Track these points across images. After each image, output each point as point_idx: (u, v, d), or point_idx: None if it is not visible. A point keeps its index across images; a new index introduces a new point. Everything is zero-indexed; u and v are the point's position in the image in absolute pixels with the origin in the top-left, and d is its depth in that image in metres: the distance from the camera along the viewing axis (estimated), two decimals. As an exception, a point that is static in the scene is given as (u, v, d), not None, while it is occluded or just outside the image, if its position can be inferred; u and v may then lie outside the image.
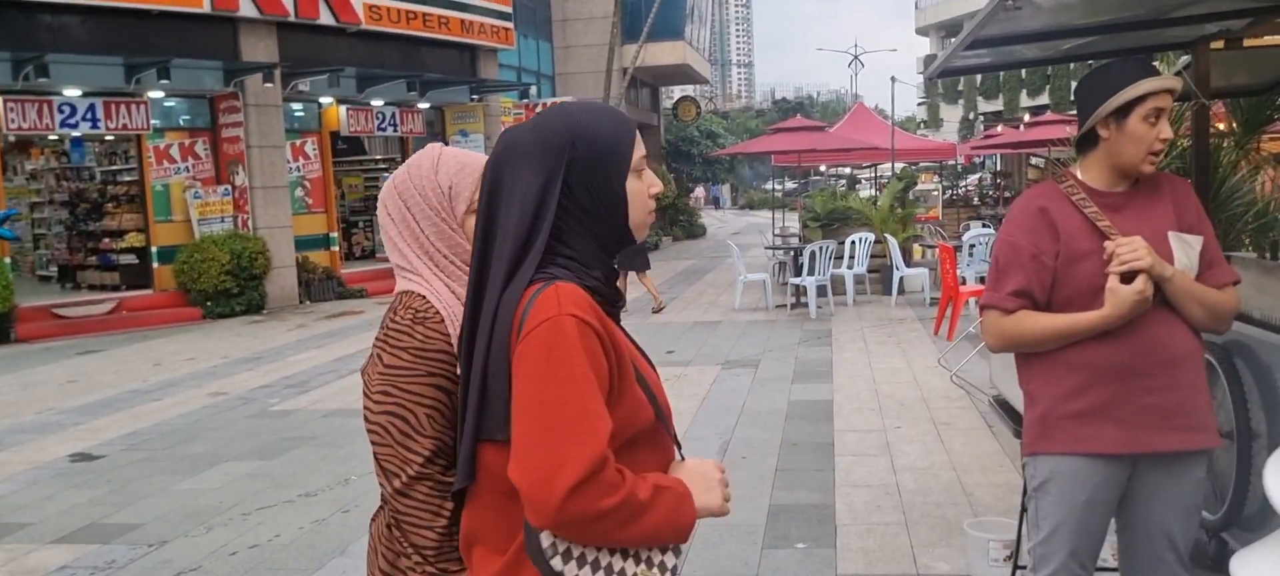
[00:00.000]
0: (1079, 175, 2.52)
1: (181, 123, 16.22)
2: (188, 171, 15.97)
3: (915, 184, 16.83)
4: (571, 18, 25.73)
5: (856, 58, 73.11)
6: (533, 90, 23.15)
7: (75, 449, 7.14)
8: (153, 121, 15.13)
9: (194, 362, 10.90)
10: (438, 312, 1.76)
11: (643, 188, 1.57)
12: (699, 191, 59.06)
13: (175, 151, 15.91)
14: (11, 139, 16.35)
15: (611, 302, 1.52)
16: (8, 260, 14.01)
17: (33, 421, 8.17)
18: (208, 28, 15.48)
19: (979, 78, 43.36)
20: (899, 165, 18.78)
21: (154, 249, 15.69)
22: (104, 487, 6.09)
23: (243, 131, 15.82)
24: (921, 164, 28.82)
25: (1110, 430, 2.39)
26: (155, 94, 15.10)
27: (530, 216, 1.49)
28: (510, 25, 21.00)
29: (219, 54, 15.69)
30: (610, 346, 1.43)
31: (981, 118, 46.86)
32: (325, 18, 16.82)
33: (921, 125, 53.63)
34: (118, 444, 7.27)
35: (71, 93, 14.18)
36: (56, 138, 16.74)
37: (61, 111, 14.09)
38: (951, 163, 29.99)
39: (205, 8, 15.17)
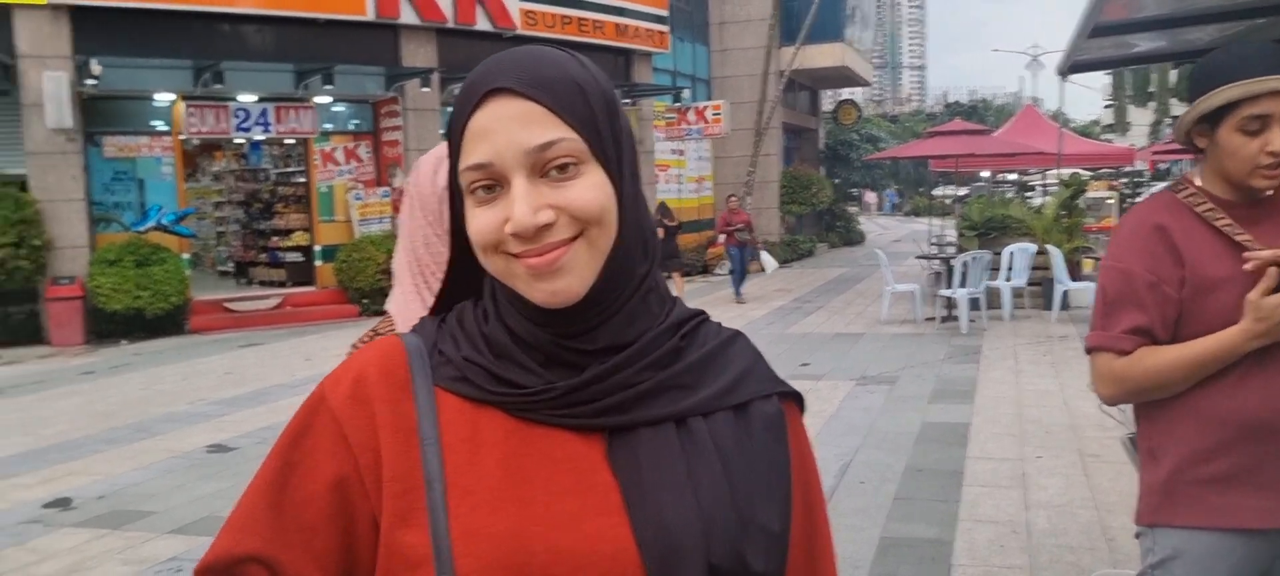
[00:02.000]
0: (1198, 182, 2.05)
1: (347, 127, 16.93)
2: (350, 173, 16.64)
3: (1084, 191, 15.76)
4: (728, 21, 25.47)
5: (1035, 59, 69.92)
6: (686, 93, 23.04)
7: (214, 440, 7.44)
8: (321, 125, 15.85)
9: (341, 359, 11.25)
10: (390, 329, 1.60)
11: (488, 220, 0.90)
12: (870, 196, 57.95)
13: (339, 154, 16.62)
14: (194, 142, 17.41)
15: (501, 379, 0.93)
16: (187, 256, 14.93)
17: (184, 411, 8.59)
18: (371, 34, 16.07)
19: (1171, 76, 40.46)
20: (1067, 171, 17.64)
21: (317, 248, 16.43)
22: (230, 480, 6.31)
23: (402, 135, 16.35)
24: (1099, 170, 27.16)
25: (1253, 499, 1.93)
26: (321, 99, 15.79)
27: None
28: (666, 29, 20.96)
29: (381, 60, 16.27)
30: (367, 448, 0.91)
31: (1172, 121, 43.88)
32: (482, 23, 17.20)
33: (1105, 129, 50.70)
34: (253, 437, 7.54)
35: (246, 98, 14.99)
36: (240, 141, 17.75)
37: (237, 116, 14.91)
38: (1130, 169, 28.08)
39: (369, 15, 15.74)
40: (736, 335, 1.01)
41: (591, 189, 0.89)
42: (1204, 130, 1.97)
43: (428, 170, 1.68)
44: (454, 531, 0.87)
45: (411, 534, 0.88)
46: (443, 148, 1.75)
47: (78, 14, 13.43)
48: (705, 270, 21.11)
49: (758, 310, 14.50)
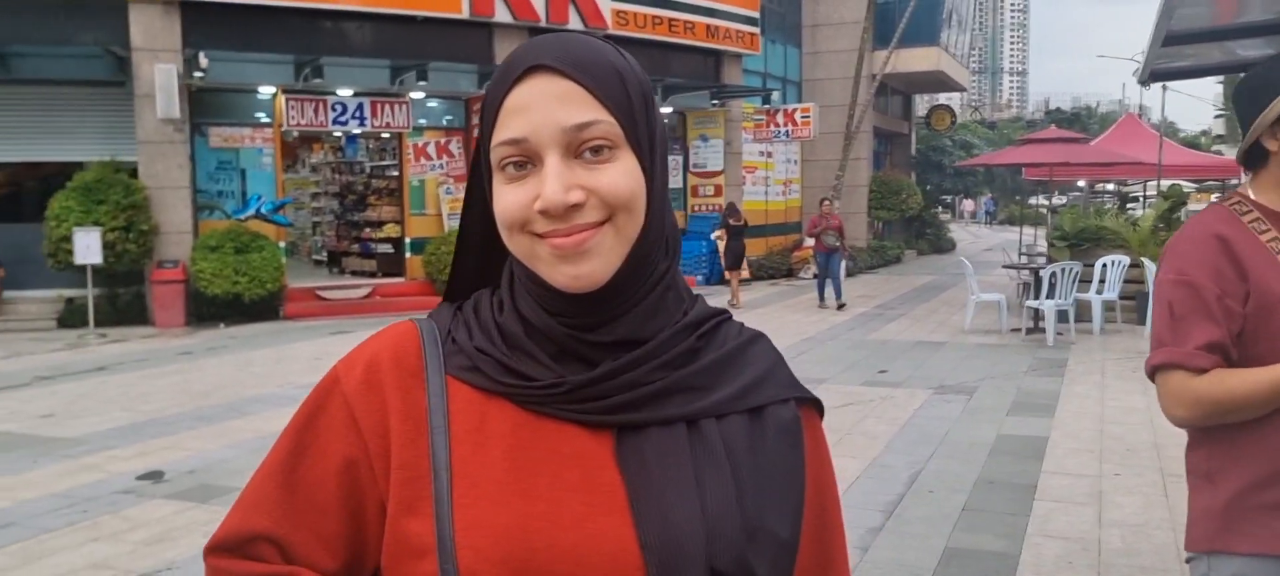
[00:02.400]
0: (1252, 195, 1.98)
1: (440, 123, 17.32)
2: (442, 168, 17.01)
3: (1185, 204, 15.23)
4: (821, 23, 25.25)
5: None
6: (776, 95, 22.93)
7: (299, 422, 7.74)
8: (415, 120, 16.26)
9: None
10: None
11: (517, 197, 0.89)
12: (967, 204, 56.71)
13: (431, 149, 17.00)
14: (294, 134, 17.99)
15: (514, 372, 0.92)
16: (283, 244, 15.46)
17: (273, 393, 8.92)
18: (465, 33, 16.40)
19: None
20: (1168, 182, 17.05)
21: (407, 240, 16.84)
22: (313, 461, 6.54)
23: (492, 131, 16.63)
24: (1204, 182, 26.14)
25: None
26: (416, 95, 16.18)
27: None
28: (757, 31, 20.89)
29: (475, 58, 16.59)
30: (377, 433, 0.92)
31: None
32: (574, 22, 17.39)
33: (1216, 140, 48.75)
34: (336, 421, 7.78)
35: (343, 92, 15.44)
36: (337, 134, 18.29)
37: (335, 110, 15.37)
38: (1236, 182, 26.98)
39: (464, 14, 16.06)
40: (758, 337, 1.00)
41: (624, 175, 0.88)
42: (1277, 132, 1.90)
43: None
44: (457, 522, 0.86)
45: (416, 522, 0.88)
46: None
47: (188, 9, 14.03)
48: (789, 273, 20.99)
49: (838, 315, 14.38)
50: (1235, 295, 1.88)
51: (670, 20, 18.96)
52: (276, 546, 0.91)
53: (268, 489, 0.93)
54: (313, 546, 0.91)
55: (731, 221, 15.74)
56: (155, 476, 6.23)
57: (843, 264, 15.72)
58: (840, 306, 15.03)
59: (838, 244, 15.49)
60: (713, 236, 16.20)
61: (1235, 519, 1.91)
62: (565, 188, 0.86)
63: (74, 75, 14.32)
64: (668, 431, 0.89)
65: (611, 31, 17.82)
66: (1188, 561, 2.04)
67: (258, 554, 0.91)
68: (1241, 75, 2.05)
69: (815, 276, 16.20)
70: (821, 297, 15.55)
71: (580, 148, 0.87)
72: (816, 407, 1.02)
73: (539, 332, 0.92)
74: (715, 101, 20.25)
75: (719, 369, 0.95)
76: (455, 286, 1.04)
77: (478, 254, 1.01)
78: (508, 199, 0.88)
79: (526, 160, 0.88)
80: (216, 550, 0.93)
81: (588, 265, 0.87)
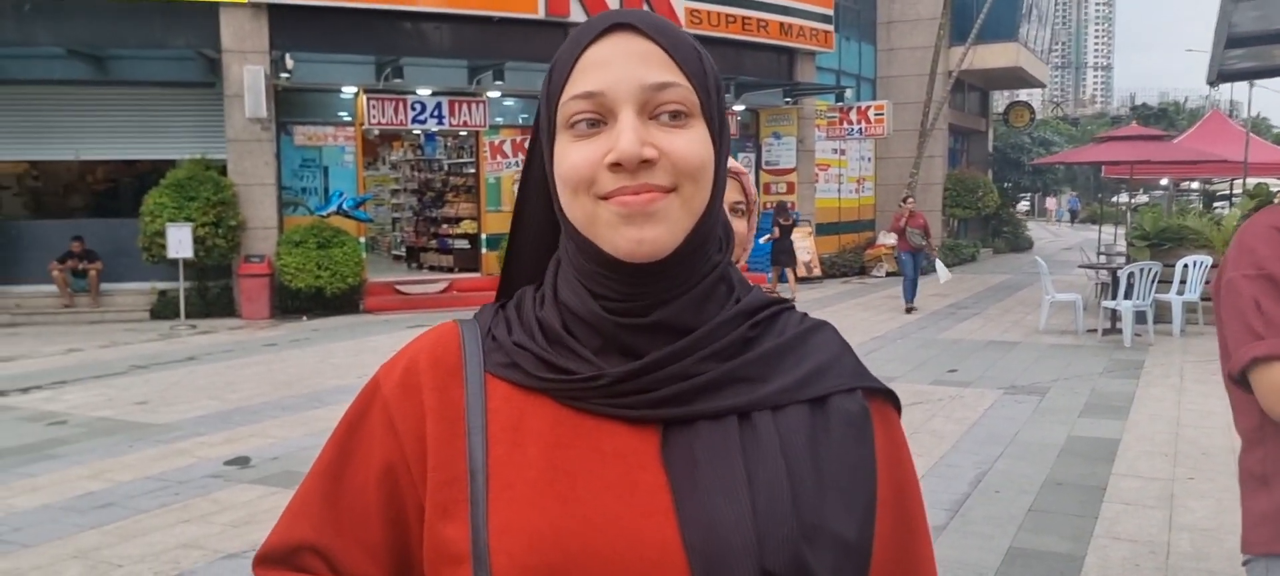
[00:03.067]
0: None
1: (517, 121, 17.62)
2: (517, 165, 17.31)
3: (1271, 202, 14.77)
4: (897, 20, 24.99)
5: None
6: (850, 93, 22.79)
7: (378, 412, 8.01)
8: (492, 119, 16.58)
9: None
10: None
11: (585, 154, 0.85)
12: (1050, 202, 55.47)
13: (507, 147, 17.31)
14: (375, 133, 18.47)
15: (561, 370, 0.88)
16: (363, 240, 15.90)
17: (354, 384, 9.20)
18: (541, 32, 16.63)
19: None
20: (1255, 181, 16.51)
21: (484, 236, 17.17)
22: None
23: (565, 129, 16.87)
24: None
25: None
26: (493, 94, 16.49)
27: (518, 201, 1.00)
28: (830, 28, 20.79)
29: (550, 57, 16.54)
30: (414, 436, 0.89)
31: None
32: (647, 22, 17.50)
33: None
34: (413, 412, 8.04)
35: (422, 92, 15.82)
36: (416, 132, 18.73)
37: (414, 109, 15.76)
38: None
39: (540, 14, 16.31)
40: (821, 325, 0.94)
41: (698, 143, 0.85)
42: None
43: None
44: (491, 527, 0.83)
45: (451, 527, 0.85)
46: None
47: (275, 11, 14.52)
48: (862, 271, 20.86)
49: (908, 315, 14.28)
50: None
51: (744, 18, 18.98)
52: (322, 556, 0.90)
53: (312, 498, 0.92)
54: (357, 555, 0.90)
55: (781, 221, 15.60)
56: (242, 462, 6.53)
57: (919, 264, 14.73)
58: (909, 310, 14.41)
59: (924, 243, 14.62)
60: (763, 239, 15.63)
61: None
62: (641, 141, 0.82)
63: (167, 77, 14.94)
64: (718, 426, 0.84)
65: (686, 30, 17.88)
66: (1245, 564, 2.03)
67: (304, 565, 0.90)
68: None
69: (894, 275, 15.83)
70: (909, 299, 14.57)
71: (657, 109, 0.84)
72: (892, 400, 0.95)
73: (581, 322, 0.88)
74: (788, 99, 20.21)
75: (777, 358, 0.89)
76: (507, 284, 1.00)
77: (533, 247, 0.98)
78: (575, 155, 0.84)
79: (599, 117, 0.84)
80: (264, 561, 0.92)
81: (653, 230, 0.83)
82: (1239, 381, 1.94)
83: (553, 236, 0.95)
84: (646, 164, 0.83)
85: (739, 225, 1.89)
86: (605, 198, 0.83)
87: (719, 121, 0.89)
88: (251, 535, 5.09)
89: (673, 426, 0.85)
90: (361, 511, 0.90)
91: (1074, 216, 54.34)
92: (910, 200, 15.66)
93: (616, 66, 0.84)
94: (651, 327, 0.86)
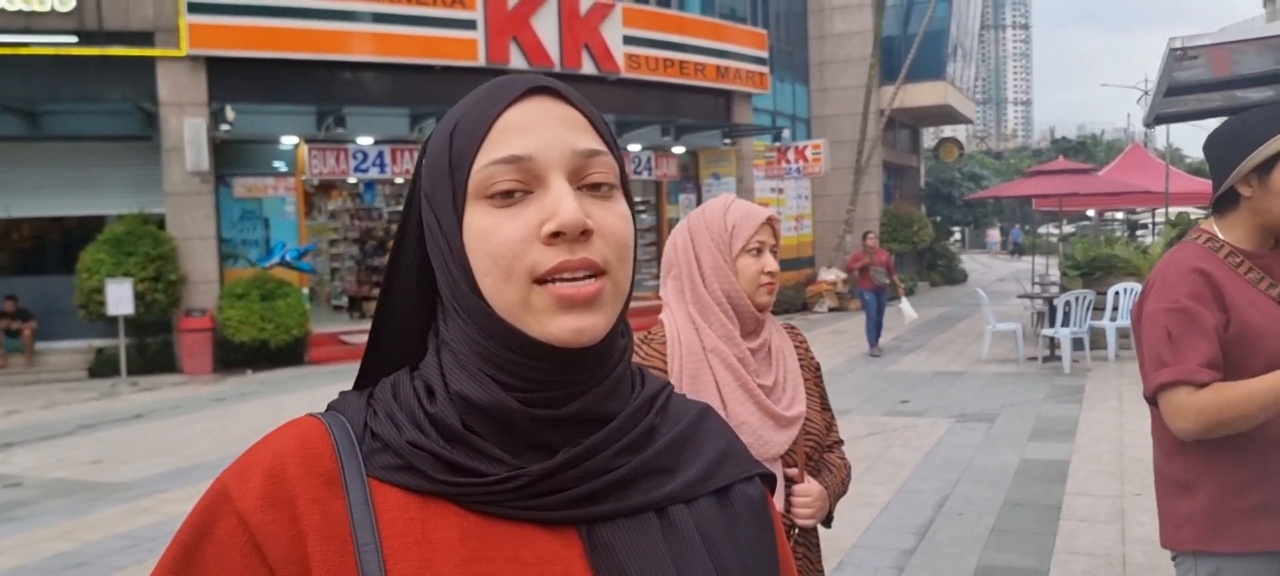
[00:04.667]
0: (1221, 234, 2.19)
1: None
2: (460, 212, 17.32)
3: (1192, 229, 15.40)
4: (829, 61, 25.66)
5: (1145, 93, 67.89)
6: (786, 133, 23.26)
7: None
8: (431, 166, 16.61)
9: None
10: (663, 334, 1.98)
11: (516, 227, 0.77)
12: (993, 234, 56.54)
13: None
14: (315, 183, 18.34)
15: (460, 470, 0.77)
16: (306, 290, 15.75)
17: (310, 436, 9.14)
18: (482, 79, 16.37)
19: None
20: (1177, 209, 17.20)
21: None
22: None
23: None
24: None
25: None
26: (434, 141, 16.52)
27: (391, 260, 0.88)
28: (765, 70, 21.26)
29: (490, 104, 16.91)
30: (290, 560, 0.74)
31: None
32: (588, 67, 17.73)
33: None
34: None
35: (364, 141, 15.79)
36: (352, 181, 18.64)
37: (355, 158, 15.72)
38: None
39: (480, 61, 16.43)
40: (706, 409, 0.91)
41: (624, 219, 0.80)
42: (1254, 178, 2.14)
43: (718, 207, 2.08)
44: None
45: None
46: (732, 195, 2.15)
47: (214, 64, 14.42)
48: (805, 307, 21.20)
49: (856, 348, 14.55)
50: (1220, 325, 2.09)
51: (681, 62, 19.32)
52: None
53: None
54: None
55: None
56: (207, 517, 6.44)
57: (883, 304, 13.90)
58: (875, 354, 13.63)
59: (887, 281, 13.79)
60: None
61: (1217, 522, 2.14)
62: (580, 209, 0.76)
63: (103, 131, 14.70)
64: (637, 524, 0.79)
65: (624, 74, 18.19)
66: (1174, 559, 2.26)
67: None
68: (1220, 122, 2.30)
69: (837, 310, 16.13)
70: (873, 343, 13.87)
71: (583, 179, 0.78)
72: (770, 482, 0.93)
73: (485, 416, 0.78)
74: (727, 140, 20.56)
75: (680, 448, 0.85)
76: (370, 368, 0.87)
77: (399, 330, 0.87)
78: (505, 231, 0.76)
79: (522, 186, 0.77)
80: None
81: (591, 318, 0.76)
82: (1152, 402, 2.17)
83: (421, 318, 0.85)
84: (586, 235, 0.76)
85: (773, 264, 2.04)
86: (541, 281, 0.76)
87: (628, 192, 0.84)
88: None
89: (591, 527, 0.78)
90: None
91: (1018, 248, 55.68)
92: (871, 236, 14.76)
93: (544, 131, 0.77)
94: (564, 420, 0.79)
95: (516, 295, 0.76)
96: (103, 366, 13.94)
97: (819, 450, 2.15)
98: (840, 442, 2.28)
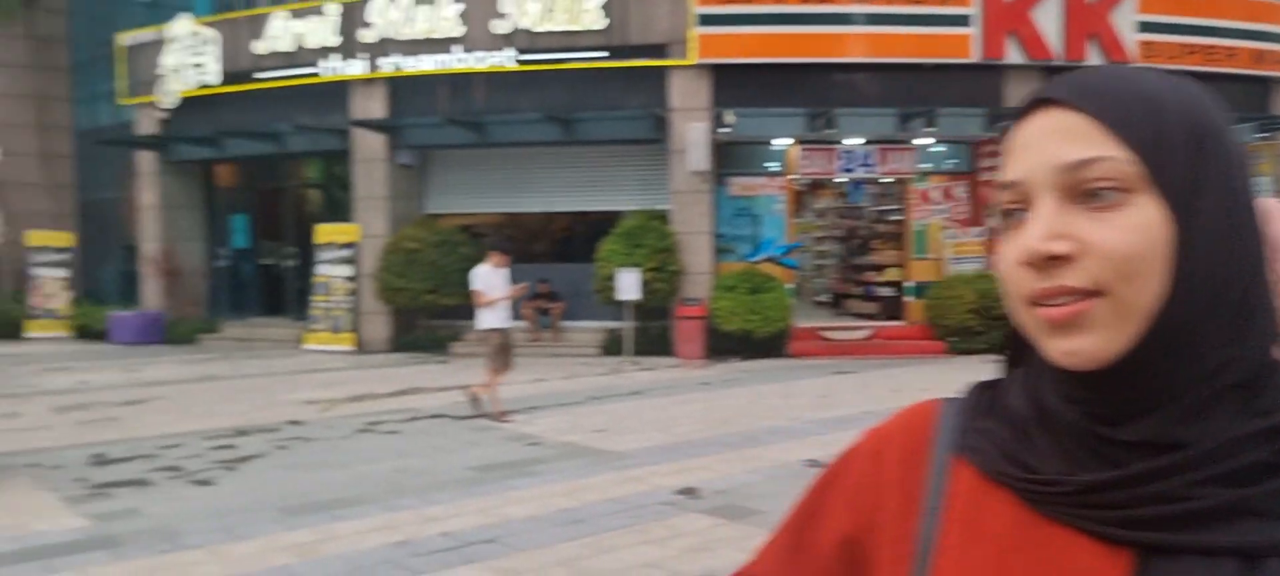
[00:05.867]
0: None
1: (944, 167, 17.29)
2: (945, 213, 16.94)
3: None
4: None
5: None
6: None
7: (810, 455, 8.18)
8: (919, 166, 16.46)
9: (928, 393, 11.52)
10: None
11: (1008, 253, 0.79)
12: None
13: (935, 194, 17.01)
14: (805, 182, 19.00)
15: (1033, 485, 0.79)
16: (790, 286, 16.41)
17: (784, 426, 9.55)
18: (974, 76, 16.22)
19: None
20: None
21: (908, 283, 16.98)
22: (825, 494, 6.94)
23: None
24: None
25: None
26: (922, 140, 16.34)
27: None
28: (1318, 52, 18.17)
29: (984, 101, 16.33)
30: (872, 508, 0.89)
31: None
32: (1093, 58, 16.42)
33: None
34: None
35: (852, 141, 16.07)
36: (840, 180, 19.05)
37: (842, 158, 16.06)
38: None
39: (973, 57, 15.93)
40: None
41: (1128, 229, 0.71)
42: None
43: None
44: None
45: None
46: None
47: (717, 71, 15.57)
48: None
49: None
50: None
51: (1207, 48, 17.17)
52: None
53: (779, 542, 0.96)
54: None
55: None
56: (691, 492, 7.00)
57: None
58: None
59: None
60: None
61: None
62: (1048, 234, 0.72)
63: (621, 135, 16.50)
64: (1210, 564, 0.70)
65: (1137, 64, 16.56)
66: None
67: None
68: None
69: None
70: None
71: (1080, 190, 0.73)
72: None
73: (1053, 416, 0.78)
74: (1264, 134, 17.88)
75: None
76: (1013, 352, 0.89)
77: None
78: (1007, 254, 0.77)
79: (1021, 206, 0.76)
80: None
81: (1080, 340, 0.72)
82: None
83: None
84: (1057, 260, 0.72)
85: None
86: (1033, 302, 0.74)
87: (1194, 182, 0.72)
88: (707, 561, 5.46)
89: (1152, 556, 0.72)
90: (818, 568, 0.90)
91: None
92: None
93: (1034, 149, 0.75)
94: (1127, 442, 0.74)
95: (1023, 315, 0.77)
96: (612, 346, 15.66)
97: None
98: None
